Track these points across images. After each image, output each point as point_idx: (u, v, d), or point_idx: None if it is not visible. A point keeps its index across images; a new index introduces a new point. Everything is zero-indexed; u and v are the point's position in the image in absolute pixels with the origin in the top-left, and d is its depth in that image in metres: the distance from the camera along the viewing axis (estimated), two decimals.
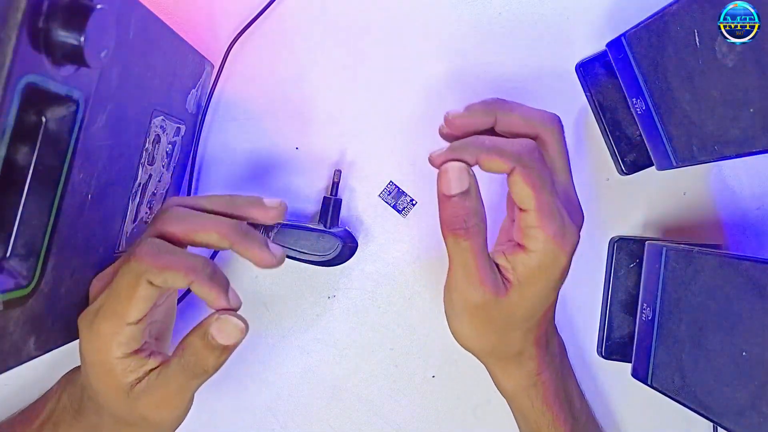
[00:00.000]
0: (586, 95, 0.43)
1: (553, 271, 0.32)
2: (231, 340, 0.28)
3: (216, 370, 0.30)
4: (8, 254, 0.24)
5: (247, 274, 0.43)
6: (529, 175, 0.30)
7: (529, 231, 0.31)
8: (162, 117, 0.34)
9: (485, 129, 0.33)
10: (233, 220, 0.30)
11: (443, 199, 0.31)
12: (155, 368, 0.30)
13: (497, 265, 0.32)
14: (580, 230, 0.33)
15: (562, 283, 0.34)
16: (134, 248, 0.28)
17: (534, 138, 0.32)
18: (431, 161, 0.32)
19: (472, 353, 0.37)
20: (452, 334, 0.36)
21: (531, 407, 0.37)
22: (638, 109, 0.37)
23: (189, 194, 0.42)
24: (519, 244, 0.32)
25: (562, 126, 0.33)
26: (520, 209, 0.31)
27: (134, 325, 0.28)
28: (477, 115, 0.32)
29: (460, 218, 0.30)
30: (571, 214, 0.32)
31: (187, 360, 0.29)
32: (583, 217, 0.34)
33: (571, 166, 0.35)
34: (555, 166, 0.33)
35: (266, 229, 0.40)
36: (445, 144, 0.32)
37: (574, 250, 0.33)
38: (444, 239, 0.32)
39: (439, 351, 0.44)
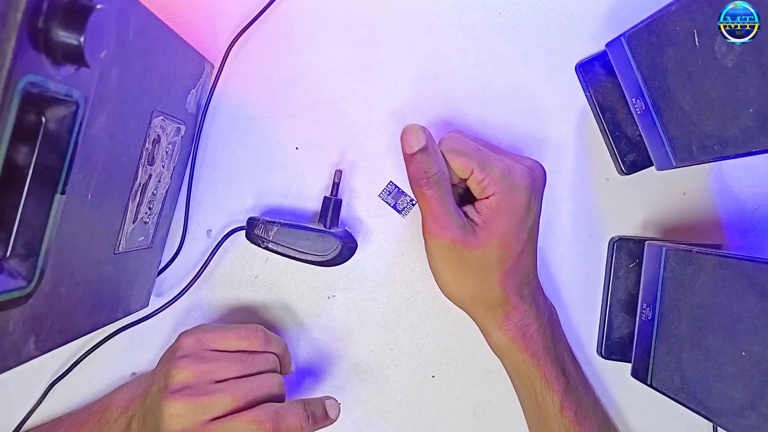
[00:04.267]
0: (586, 95, 0.43)
1: (513, 207, 0.35)
2: None
3: None
4: (8, 254, 0.24)
5: (247, 274, 0.43)
6: (457, 147, 0.35)
7: (481, 184, 0.35)
8: (162, 117, 0.34)
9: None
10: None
11: (407, 158, 0.35)
12: None
13: (465, 214, 0.36)
14: (540, 178, 0.37)
15: (531, 222, 0.37)
16: None
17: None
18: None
19: (461, 306, 0.38)
20: (439, 287, 0.38)
21: (522, 361, 0.38)
22: (638, 109, 0.37)
23: (189, 194, 0.42)
24: (482, 198, 0.36)
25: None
26: (465, 180, 0.36)
27: None
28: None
29: (422, 171, 0.35)
30: (517, 164, 0.37)
31: None
32: (544, 172, 0.38)
33: (571, 166, 0.39)
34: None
35: (266, 228, 0.40)
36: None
37: (534, 187, 0.36)
38: (414, 194, 0.36)
39: (439, 351, 0.44)
